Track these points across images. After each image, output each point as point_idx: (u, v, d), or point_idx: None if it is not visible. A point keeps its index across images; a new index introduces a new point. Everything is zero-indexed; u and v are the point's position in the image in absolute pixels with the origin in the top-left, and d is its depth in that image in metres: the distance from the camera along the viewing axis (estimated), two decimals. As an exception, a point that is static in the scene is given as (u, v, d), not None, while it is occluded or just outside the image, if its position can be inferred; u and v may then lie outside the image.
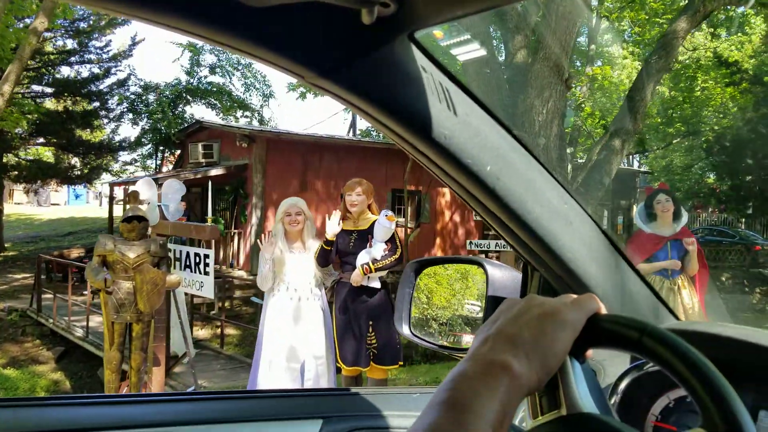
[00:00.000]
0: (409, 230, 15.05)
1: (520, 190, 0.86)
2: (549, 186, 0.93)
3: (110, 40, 21.57)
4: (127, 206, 5.53)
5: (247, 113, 22.75)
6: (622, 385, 0.93)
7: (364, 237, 4.45)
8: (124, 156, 23.59)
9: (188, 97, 21.34)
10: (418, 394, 1.28)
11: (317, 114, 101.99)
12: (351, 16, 0.59)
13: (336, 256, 4.51)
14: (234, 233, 15.44)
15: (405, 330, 1.27)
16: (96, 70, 21.77)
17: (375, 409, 1.21)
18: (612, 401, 0.92)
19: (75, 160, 23.25)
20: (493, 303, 1.10)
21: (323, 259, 4.42)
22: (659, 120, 21.23)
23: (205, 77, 21.80)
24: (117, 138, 23.05)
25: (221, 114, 22.24)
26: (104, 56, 22.11)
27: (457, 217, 18.31)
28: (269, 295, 4.58)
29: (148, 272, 5.20)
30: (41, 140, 21.78)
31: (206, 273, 5.85)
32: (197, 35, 0.60)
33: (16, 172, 21.01)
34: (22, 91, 20.26)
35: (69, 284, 11.14)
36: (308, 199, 15.53)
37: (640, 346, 0.54)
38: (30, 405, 1.08)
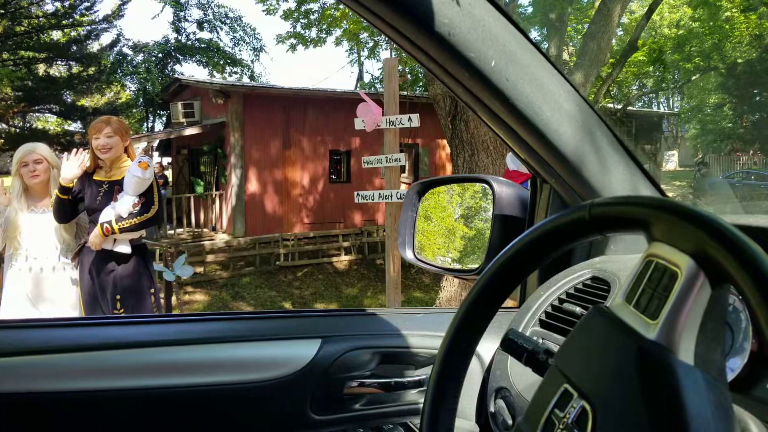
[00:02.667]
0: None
1: (528, 90, 0.82)
2: (560, 87, 0.87)
3: (94, 1, 20.75)
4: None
5: (237, 69, 21.97)
6: None
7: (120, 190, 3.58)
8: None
9: (177, 55, 20.64)
10: (422, 314, 1.26)
11: (317, 70, 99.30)
12: None
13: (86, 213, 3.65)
14: (215, 195, 14.81)
15: (409, 255, 1.26)
16: (85, 33, 21.14)
17: (376, 329, 1.21)
18: None
19: (74, 126, 22.98)
20: (500, 222, 1.08)
21: (59, 212, 3.53)
22: (678, 56, 19.61)
23: (194, 33, 21.03)
24: (117, 101, 22.66)
25: (212, 71, 21.48)
26: (94, 17, 21.51)
27: (458, 170, 17.40)
28: (7, 265, 3.71)
29: None
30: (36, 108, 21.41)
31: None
32: None
33: (3, 140, 20.61)
34: (10, 57, 19.87)
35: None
36: (293, 156, 15.20)
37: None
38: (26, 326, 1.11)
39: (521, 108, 0.82)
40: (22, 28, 20.22)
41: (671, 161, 30.42)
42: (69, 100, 22.02)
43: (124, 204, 3.43)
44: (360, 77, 21.81)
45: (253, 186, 14.51)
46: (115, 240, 3.49)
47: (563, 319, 0.96)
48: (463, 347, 0.63)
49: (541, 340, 0.96)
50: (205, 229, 14.64)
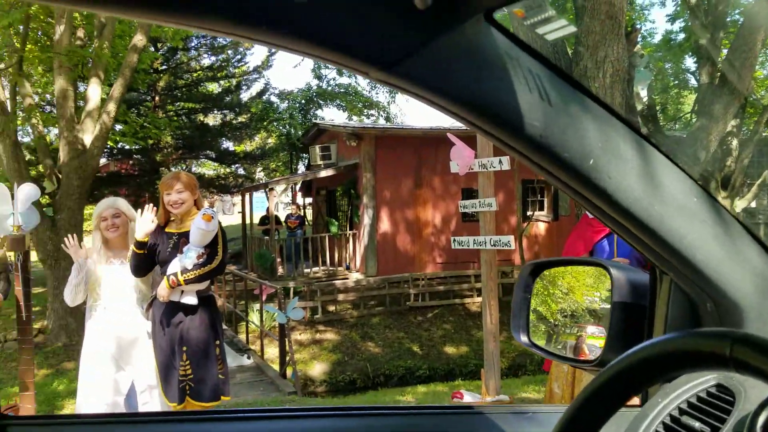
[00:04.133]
0: (523, 225, 13.58)
1: (635, 185, 0.77)
2: (672, 178, 0.83)
3: (245, 53, 22.39)
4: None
5: (373, 111, 22.52)
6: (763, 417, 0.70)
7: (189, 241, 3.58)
8: (270, 163, 24.52)
9: (319, 100, 21.60)
10: (531, 414, 1.23)
11: None
12: None
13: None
14: (349, 234, 15.08)
15: (523, 339, 1.22)
16: (234, 83, 22.82)
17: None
18: None
19: (227, 170, 24.71)
20: (620, 309, 1.03)
21: (135, 266, 3.60)
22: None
23: (333, 79, 21.93)
24: (265, 146, 24.14)
25: (350, 115, 22.22)
26: (245, 68, 23.21)
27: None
28: (87, 316, 3.83)
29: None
30: (193, 154, 23.28)
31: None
32: (246, 37, 0.57)
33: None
34: (171, 108, 21.89)
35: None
36: (424, 196, 15.17)
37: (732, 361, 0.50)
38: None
39: (627, 206, 0.77)
40: (183, 82, 22.24)
41: None
42: (223, 146, 23.80)
43: (189, 256, 3.45)
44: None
45: (384, 225, 14.62)
46: (182, 291, 3.51)
47: None
48: None
49: None
50: (339, 268, 14.92)
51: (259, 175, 25.43)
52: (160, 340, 3.59)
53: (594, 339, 1.30)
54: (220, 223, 3.60)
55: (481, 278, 5.33)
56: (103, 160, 18.32)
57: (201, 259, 3.47)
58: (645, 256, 0.92)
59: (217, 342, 3.62)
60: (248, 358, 9.72)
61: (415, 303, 13.68)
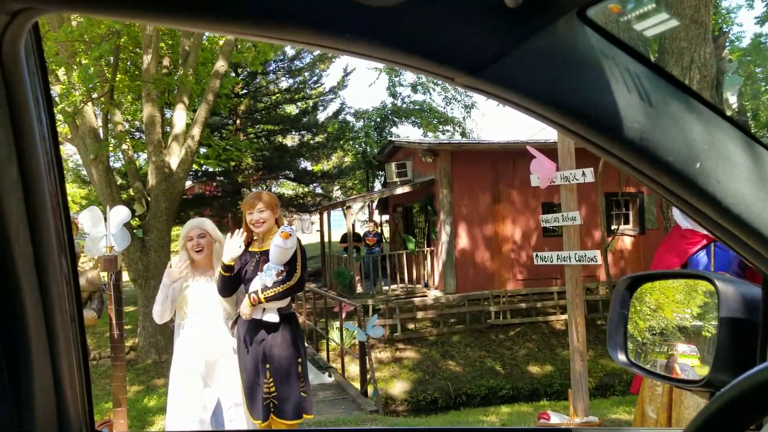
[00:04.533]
0: (608, 239, 13.05)
1: (746, 190, 0.72)
2: None
3: (321, 75, 22.86)
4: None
5: (449, 127, 22.41)
6: None
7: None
8: (347, 181, 24.84)
9: (393, 118, 21.73)
10: None
11: (530, 120, 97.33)
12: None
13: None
14: (427, 251, 14.97)
15: (621, 357, 1.15)
16: (311, 104, 23.32)
17: None
18: None
19: (306, 189, 25.21)
20: (728, 326, 0.95)
21: (222, 287, 3.66)
22: None
23: (408, 96, 22.03)
24: (342, 165, 24.50)
25: (425, 131, 22.20)
26: (322, 89, 23.70)
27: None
28: (176, 333, 3.91)
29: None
30: (272, 174, 23.88)
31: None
32: (327, 47, 0.57)
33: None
34: (252, 131, 22.59)
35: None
36: (503, 211, 14.91)
37: None
38: None
39: (738, 212, 0.72)
40: (262, 105, 22.91)
41: None
42: (301, 165, 24.30)
43: (269, 273, 3.48)
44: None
45: (463, 242, 14.43)
46: (264, 309, 3.54)
47: None
48: None
49: None
50: (417, 285, 14.82)
51: (337, 193, 25.78)
52: (244, 357, 3.64)
53: (686, 358, 1.25)
54: (299, 240, 3.62)
55: (566, 295, 5.12)
56: (188, 183, 19.07)
57: (280, 277, 3.49)
58: (757, 268, 0.85)
59: (299, 359, 3.63)
60: (329, 376, 9.75)
61: (496, 321, 13.39)
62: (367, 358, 8.62)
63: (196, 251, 3.83)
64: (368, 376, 8.72)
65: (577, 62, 0.61)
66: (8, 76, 0.77)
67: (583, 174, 4.83)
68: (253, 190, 23.71)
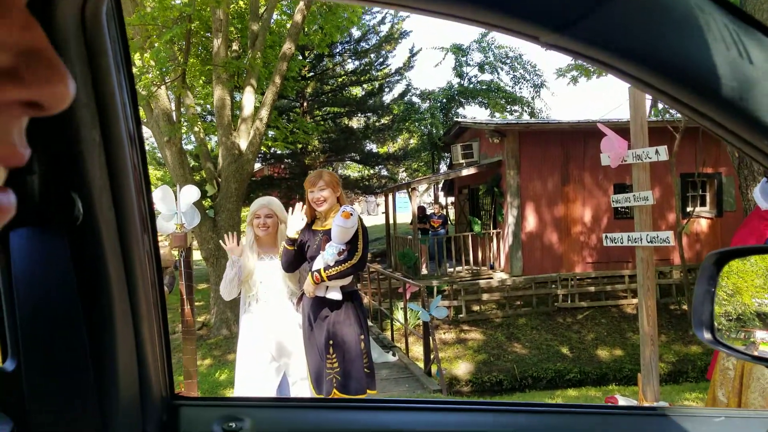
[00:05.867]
0: (683, 222, 12.52)
1: None
2: None
3: (387, 56, 22.82)
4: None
5: (517, 107, 21.92)
6: None
7: None
8: (412, 163, 24.78)
9: (460, 99, 21.46)
10: (724, 417, 1.14)
11: (604, 100, 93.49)
12: None
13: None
14: (493, 233, 14.80)
15: (707, 336, 1.10)
16: (377, 86, 23.30)
17: None
18: None
19: (371, 171, 25.34)
20: None
21: (287, 262, 3.71)
22: None
23: (475, 76, 21.67)
24: (407, 147, 24.47)
25: (492, 112, 21.81)
26: (387, 71, 23.65)
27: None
28: (242, 310, 3.98)
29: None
30: (339, 156, 24.09)
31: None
32: (407, 7, 0.57)
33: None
34: (318, 113, 22.82)
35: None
36: (572, 192, 14.52)
37: None
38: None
39: None
40: (328, 87, 23.08)
41: None
42: (367, 148, 24.40)
43: (331, 252, 3.49)
44: (654, 103, 20.15)
45: (530, 224, 14.19)
46: (327, 287, 3.57)
47: None
48: None
49: None
50: (483, 267, 14.70)
51: (402, 175, 25.77)
52: (308, 333, 3.71)
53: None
54: (361, 220, 3.64)
55: (637, 278, 4.94)
56: (257, 165, 19.47)
57: (342, 256, 3.52)
58: None
59: (362, 337, 3.66)
60: (393, 355, 9.83)
61: (564, 304, 13.14)
62: (431, 338, 8.63)
63: (261, 229, 3.91)
64: (432, 356, 8.74)
65: (669, 17, 0.58)
66: (90, 41, 0.76)
67: (657, 152, 4.62)
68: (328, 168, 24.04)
